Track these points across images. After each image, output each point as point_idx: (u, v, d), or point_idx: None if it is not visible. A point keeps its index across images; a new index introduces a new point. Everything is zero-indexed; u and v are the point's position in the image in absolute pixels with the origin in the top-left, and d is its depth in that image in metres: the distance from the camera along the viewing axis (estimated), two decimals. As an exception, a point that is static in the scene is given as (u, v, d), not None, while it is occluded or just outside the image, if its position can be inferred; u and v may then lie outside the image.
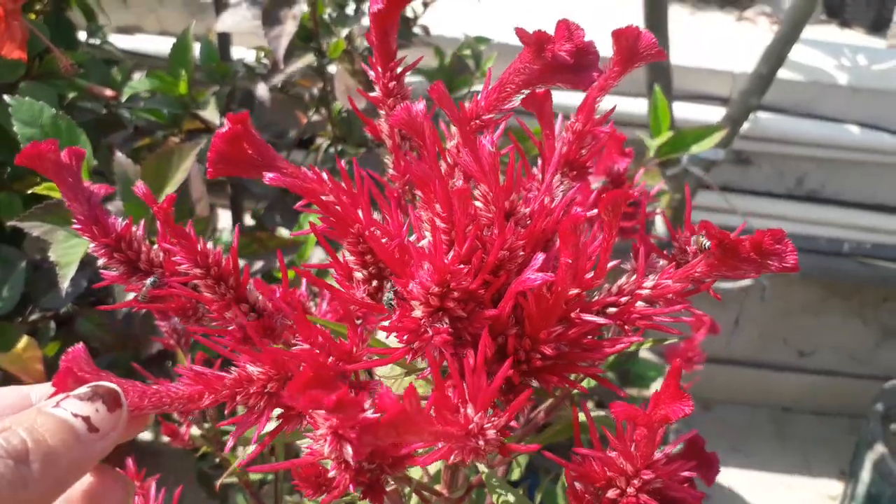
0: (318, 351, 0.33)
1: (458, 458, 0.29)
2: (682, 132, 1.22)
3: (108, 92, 1.26)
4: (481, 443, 0.29)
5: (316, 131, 1.54)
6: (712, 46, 2.05)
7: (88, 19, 1.42)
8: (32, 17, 1.25)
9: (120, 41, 1.84)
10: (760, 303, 1.93)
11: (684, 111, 1.86)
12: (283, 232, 1.14)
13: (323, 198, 0.36)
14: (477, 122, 0.41)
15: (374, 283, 0.37)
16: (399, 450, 0.31)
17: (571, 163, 0.42)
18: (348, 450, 0.26)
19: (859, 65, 1.96)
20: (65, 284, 0.86)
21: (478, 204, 0.36)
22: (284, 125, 1.55)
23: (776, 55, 1.59)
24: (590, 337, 0.35)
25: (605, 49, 0.37)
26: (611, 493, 0.34)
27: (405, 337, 0.34)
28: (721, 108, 1.88)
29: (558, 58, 0.33)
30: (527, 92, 0.37)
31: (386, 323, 0.34)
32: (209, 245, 0.40)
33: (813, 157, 1.96)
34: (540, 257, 0.32)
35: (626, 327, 0.37)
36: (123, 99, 1.21)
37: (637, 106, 1.86)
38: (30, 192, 0.88)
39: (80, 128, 0.89)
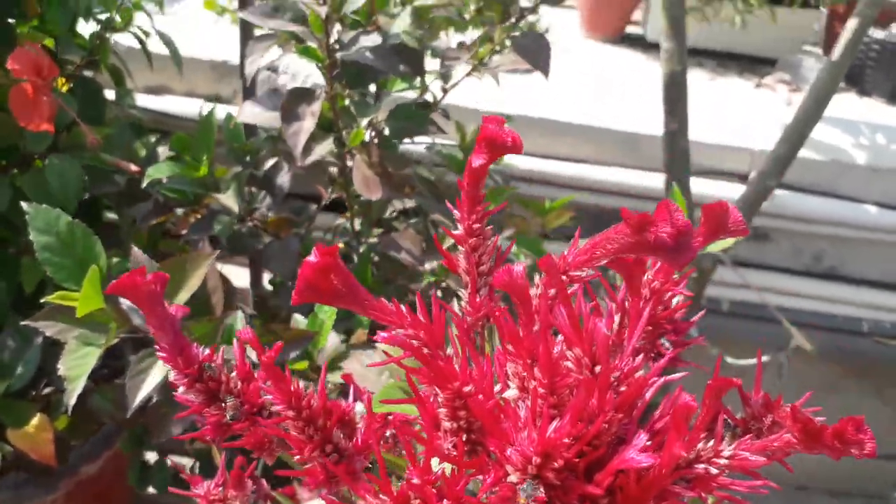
0: (434, 489, 0.34)
1: None
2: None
3: (133, 167, 1.28)
4: None
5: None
6: (731, 118, 2.07)
7: (117, 83, 1.44)
8: (62, 81, 1.26)
9: (147, 101, 1.86)
10: (778, 380, 1.92)
11: (703, 187, 1.87)
12: (299, 318, 1.11)
13: (420, 347, 0.37)
14: (564, 277, 0.42)
15: (463, 436, 0.38)
16: None
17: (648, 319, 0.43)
18: None
19: (878, 143, 1.98)
20: (72, 401, 0.82)
21: (567, 364, 0.37)
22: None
23: (798, 134, 1.59)
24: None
25: (600, 68, 0.38)
26: None
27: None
28: (740, 185, 1.89)
29: (659, 239, 0.35)
30: (615, 257, 0.38)
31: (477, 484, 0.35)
32: (301, 387, 0.40)
33: (831, 236, 1.97)
34: (643, 437, 0.33)
35: (702, 495, 0.37)
36: (144, 184, 1.22)
37: (653, 180, 1.88)
38: (43, 301, 0.85)
39: (95, 235, 0.87)
